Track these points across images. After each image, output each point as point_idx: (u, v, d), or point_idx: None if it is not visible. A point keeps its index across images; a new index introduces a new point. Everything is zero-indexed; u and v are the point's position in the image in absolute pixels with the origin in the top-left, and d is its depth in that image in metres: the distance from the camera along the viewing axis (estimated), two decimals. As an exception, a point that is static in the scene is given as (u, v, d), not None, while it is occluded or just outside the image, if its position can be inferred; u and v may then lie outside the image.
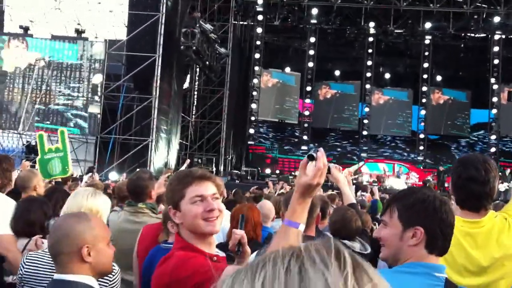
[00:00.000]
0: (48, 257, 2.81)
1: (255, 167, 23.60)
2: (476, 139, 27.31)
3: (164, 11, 17.36)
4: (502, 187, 18.04)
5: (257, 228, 3.91)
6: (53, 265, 2.72)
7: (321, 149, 1.83)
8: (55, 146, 5.86)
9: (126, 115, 17.83)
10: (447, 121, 27.00)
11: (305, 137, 26.07)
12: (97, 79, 18.63)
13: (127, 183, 4.50)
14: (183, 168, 10.77)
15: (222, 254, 2.20)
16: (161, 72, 17.32)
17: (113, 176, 15.02)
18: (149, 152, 17.04)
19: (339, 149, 27.74)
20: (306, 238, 2.73)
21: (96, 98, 18.70)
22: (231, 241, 2.28)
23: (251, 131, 24.83)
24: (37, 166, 5.88)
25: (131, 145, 17.53)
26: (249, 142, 25.22)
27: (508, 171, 20.87)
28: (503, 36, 24.90)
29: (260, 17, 24.59)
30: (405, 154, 27.30)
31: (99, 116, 18.47)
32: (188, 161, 11.64)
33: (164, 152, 18.40)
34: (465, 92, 27.27)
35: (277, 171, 23.50)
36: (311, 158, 1.80)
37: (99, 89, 18.69)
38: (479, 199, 2.52)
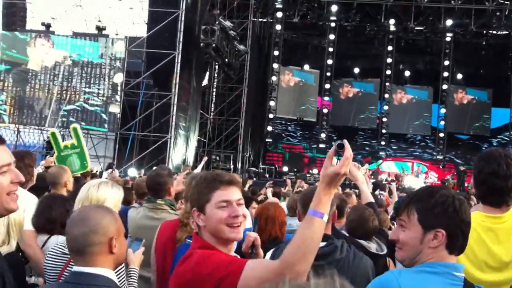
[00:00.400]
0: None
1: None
2: (500, 138, 26.96)
3: (184, 8, 17.43)
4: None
5: (283, 227, 3.94)
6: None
7: (345, 140, 1.87)
8: (71, 142, 5.94)
9: (146, 112, 17.96)
10: (468, 120, 26.70)
11: (323, 135, 25.97)
12: (118, 78, 18.80)
13: (146, 180, 4.54)
14: (200, 165, 10.80)
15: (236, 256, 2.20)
16: (181, 69, 17.41)
17: (132, 172, 15.14)
18: (168, 149, 17.15)
19: (366, 148, 27.64)
20: (323, 236, 2.74)
21: (117, 97, 18.85)
22: (244, 243, 2.31)
23: (269, 128, 24.82)
24: (55, 163, 5.95)
25: (150, 141, 17.66)
26: (267, 140, 25.21)
27: None
28: (526, 34, 24.53)
29: (279, 14, 24.55)
30: (425, 153, 27.07)
31: (118, 114, 18.63)
32: (205, 158, 11.66)
33: (182, 149, 18.50)
34: (486, 91, 26.92)
35: (295, 169, 23.45)
36: (341, 147, 1.85)
37: (119, 88, 18.85)
38: (501, 194, 2.50)
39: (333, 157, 1.85)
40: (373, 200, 4.30)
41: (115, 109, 18.78)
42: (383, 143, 26.05)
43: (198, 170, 9.97)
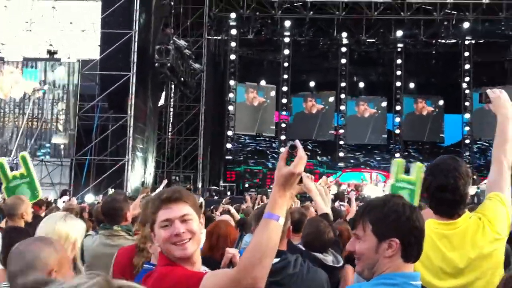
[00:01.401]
0: None
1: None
2: (453, 144, 27.66)
3: (137, 28, 17.30)
4: (472, 190, 18.27)
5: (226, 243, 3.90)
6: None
7: (297, 141, 1.86)
8: (19, 172, 5.71)
9: (101, 135, 17.64)
10: (422, 128, 27.30)
11: (282, 150, 26.06)
12: (61, 106, 18.48)
13: (101, 206, 4.43)
14: (160, 188, 10.64)
15: (208, 270, 2.16)
16: (136, 90, 17.22)
17: (90, 198, 14.79)
18: (126, 172, 16.86)
19: (325, 160, 27.90)
20: (277, 252, 2.70)
21: (60, 127, 18.45)
22: (223, 260, 2.29)
23: (229, 146, 24.74)
24: (4, 195, 5.71)
25: (107, 165, 17.32)
26: (227, 157, 25.11)
27: (475, 174, 21.18)
28: (473, 41, 25.35)
29: (233, 31, 24.65)
30: (382, 162, 27.48)
31: (61, 145, 18.24)
32: (165, 181, 11.51)
33: (141, 171, 18.24)
34: (438, 99, 27.61)
35: (257, 186, 23.44)
36: (293, 147, 1.83)
37: (62, 117, 18.40)
38: (451, 207, 2.55)
39: (285, 158, 1.83)
40: (327, 211, 4.31)
41: (57, 139, 18.38)
42: (341, 154, 26.31)
43: (160, 187, 9.83)
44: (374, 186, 22.62)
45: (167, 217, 2.10)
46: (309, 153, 27.84)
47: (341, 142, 26.49)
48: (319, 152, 28.06)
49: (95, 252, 4.04)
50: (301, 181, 4.64)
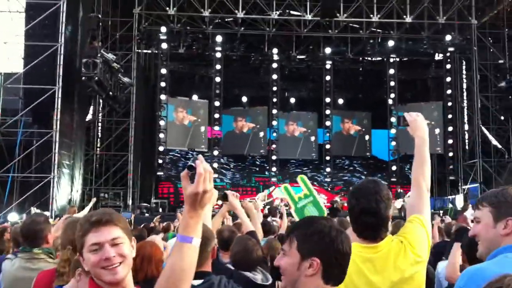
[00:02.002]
0: None
1: (165, 198, 23.17)
2: (376, 158, 28.55)
3: (63, 41, 16.77)
4: (398, 203, 18.96)
5: (159, 266, 3.80)
6: None
7: (199, 156, 1.81)
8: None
9: (25, 152, 16.87)
10: (351, 142, 28.02)
11: (215, 165, 25.99)
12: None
13: (21, 228, 4.20)
14: (88, 208, 10.29)
15: None
16: (62, 105, 16.63)
17: (13, 217, 14.09)
18: (51, 190, 16.19)
19: (259, 175, 28.07)
20: (201, 274, 2.65)
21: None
22: None
23: (160, 161, 24.32)
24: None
25: (31, 183, 16.56)
26: (158, 173, 24.67)
27: (398, 187, 21.99)
28: (397, 59, 26.38)
29: (164, 45, 24.41)
30: (314, 176, 27.93)
31: None
32: (94, 200, 11.16)
33: (67, 189, 17.60)
34: (365, 114, 28.46)
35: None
36: (191, 168, 1.78)
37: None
38: (373, 230, 2.59)
39: (188, 178, 1.79)
40: (253, 229, 4.33)
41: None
42: (274, 169, 26.53)
43: (85, 211, 9.51)
44: (306, 200, 22.90)
45: (96, 241, 2.03)
46: (228, 169, 27.95)
47: (274, 157, 26.71)
48: (253, 168, 28.22)
49: (14, 276, 3.87)
50: (226, 199, 4.63)
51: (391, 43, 25.17)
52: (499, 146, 24.31)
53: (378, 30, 25.52)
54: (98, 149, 23.73)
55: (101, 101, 23.07)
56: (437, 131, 25.54)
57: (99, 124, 24.10)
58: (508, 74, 22.97)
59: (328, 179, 26.74)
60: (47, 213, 14.34)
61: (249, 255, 3.64)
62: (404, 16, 24.40)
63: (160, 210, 21.53)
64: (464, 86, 26.01)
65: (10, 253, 4.98)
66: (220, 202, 4.93)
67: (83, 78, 17.78)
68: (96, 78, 17.90)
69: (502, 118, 24.57)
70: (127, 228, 2.15)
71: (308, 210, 5.65)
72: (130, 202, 22.21)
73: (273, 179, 26.38)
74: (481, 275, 2.00)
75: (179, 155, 27.02)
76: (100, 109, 23.72)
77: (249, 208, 4.91)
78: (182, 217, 1.82)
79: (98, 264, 2.02)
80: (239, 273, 3.45)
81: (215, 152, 25.88)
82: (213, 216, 4.88)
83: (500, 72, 24.41)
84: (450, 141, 25.09)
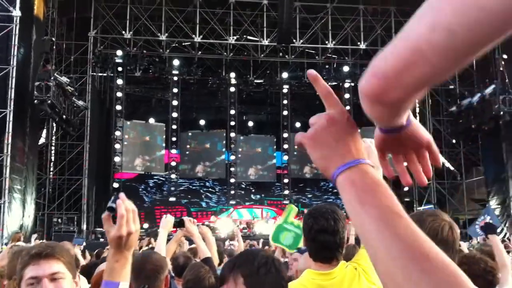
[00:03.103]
0: None
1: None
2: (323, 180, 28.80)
3: (15, 64, 16.42)
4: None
5: None
6: None
7: (121, 194, 1.73)
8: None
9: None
10: (309, 164, 28.21)
11: (173, 188, 25.70)
12: None
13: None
14: (32, 240, 9.92)
15: None
16: (13, 128, 16.20)
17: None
18: (2, 215, 15.65)
19: (211, 198, 27.89)
20: None
21: None
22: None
23: (115, 185, 23.86)
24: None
25: (-20, 208, 15.98)
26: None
27: None
28: (352, 84, 26.90)
29: (120, 69, 24.18)
30: (272, 198, 27.99)
31: None
32: (34, 235, 10.73)
33: (19, 214, 17.03)
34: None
35: (145, 225, 22.75)
36: (111, 210, 1.69)
37: None
38: (330, 250, 2.58)
39: (110, 220, 1.70)
40: (209, 255, 4.28)
41: None
42: (232, 192, 26.44)
43: (32, 241, 9.20)
44: (265, 223, 22.89)
45: (34, 275, 1.93)
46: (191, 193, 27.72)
47: (232, 180, 26.63)
48: (212, 190, 28.08)
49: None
50: (183, 225, 4.55)
51: (346, 68, 25.70)
52: (452, 168, 24.96)
53: (334, 56, 26.05)
54: (51, 173, 23.12)
55: (54, 124, 22.55)
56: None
57: (53, 148, 23.53)
58: (458, 99, 23.71)
59: (286, 201, 26.80)
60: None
61: (200, 283, 3.58)
62: (358, 43, 25.01)
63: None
64: (417, 110, 26.69)
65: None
66: (174, 229, 4.84)
67: (36, 101, 17.39)
68: (49, 101, 17.53)
69: (454, 141, 25.28)
70: (71, 263, 2.06)
71: (285, 237, 5.59)
72: (84, 227, 21.65)
73: (232, 202, 26.32)
74: None
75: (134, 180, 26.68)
76: (53, 132, 23.18)
77: (204, 233, 4.85)
78: (107, 261, 1.72)
79: None
80: None
81: (173, 176, 25.63)
82: (168, 241, 4.80)
83: (451, 97, 25.20)
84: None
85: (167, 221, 4.47)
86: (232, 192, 26.45)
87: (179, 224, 4.61)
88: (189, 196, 27.66)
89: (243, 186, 27.95)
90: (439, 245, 1.96)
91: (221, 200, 27.36)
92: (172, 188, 25.96)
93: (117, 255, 1.68)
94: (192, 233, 4.29)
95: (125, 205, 1.69)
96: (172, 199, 25.60)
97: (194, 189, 27.99)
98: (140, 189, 26.86)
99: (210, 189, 28.20)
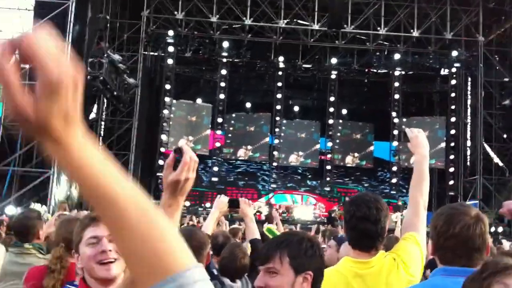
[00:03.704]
0: None
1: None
2: (378, 170, 28.51)
3: (69, 40, 16.89)
4: (395, 216, 18.94)
5: None
6: None
7: (185, 146, 1.77)
8: None
9: (27, 146, 16.96)
10: (354, 153, 27.98)
11: (216, 169, 25.97)
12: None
13: (12, 222, 4.27)
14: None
15: None
16: (66, 102, 16.70)
17: (11, 210, 14.15)
18: (50, 185, 16.27)
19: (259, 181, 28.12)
20: None
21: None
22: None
23: (161, 162, 24.32)
24: None
25: (31, 177, 16.64)
26: (158, 174, 24.69)
27: (400, 200, 22.03)
28: (403, 72, 26.40)
29: (171, 49, 24.50)
30: (313, 185, 27.96)
31: None
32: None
33: (66, 185, 17.65)
34: (369, 125, 28.42)
35: (187, 203, 23.15)
36: (178, 151, 1.73)
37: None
38: (371, 238, 2.57)
39: (172, 166, 1.72)
40: (257, 237, 4.33)
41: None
42: (274, 176, 26.56)
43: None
44: (304, 208, 22.95)
45: (95, 234, 2.07)
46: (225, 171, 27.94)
47: (274, 164, 26.72)
48: (268, 174, 28.29)
49: (4, 269, 3.91)
50: (238, 205, 4.65)
51: (397, 56, 25.20)
52: (501, 163, 24.27)
53: (385, 43, 25.57)
54: (100, 147, 23.71)
55: (105, 100, 23.15)
56: (440, 145, 25.52)
57: (102, 123, 24.17)
58: (513, 93, 22.99)
59: (327, 188, 26.74)
60: (45, 208, 14.42)
61: (232, 262, 3.67)
62: (411, 30, 24.46)
63: (159, 211, 21.50)
64: (469, 102, 26.00)
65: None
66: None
67: (88, 77, 17.88)
68: (102, 77, 18.00)
69: (505, 136, 24.53)
70: None
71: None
72: (129, 202, 22.20)
73: (273, 185, 26.43)
74: None
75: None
76: (104, 108, 23.79)
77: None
78: (160, 205, 1.73)
79: (94, 257, 2.04)
80: (218, 277, 3.48)
81: (216, 157, 25.93)
82: (204, 218, 4.90)
83: (505, 90, 24.40)
84: (451, 157, 25.08)
85: (220, 201, 4.53)
86: (274, 176, 26.52)
87: (233, 204, 4.66)
88: (246, 178, 27.99)
89: (285, 170, 27.94)
90: (468, 241, 1.99)
91: (278, 184, 27.53)
92: (215, 168, 26.12)
93: (171, 200, 1.71)
94: (246, 214, 4.35)
95: (189, 154, 1.73)
96: (214, 179, 25.84)
97: (251, 171, 28.25)
98: (200, 169, 27.20)
99: (253, 172, 28.37)
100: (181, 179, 1.70)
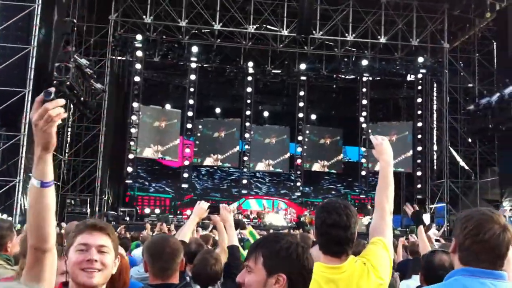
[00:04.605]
0: None
1: (133, 207, 22.89)
2: (348, 174, 28.75)
3: (35, 44, 16.57)
4: (366, 220, 19.18)
5: (127, 276, 3.76)
6: None
7: (52, 88, 1.82)
8: None
9: (-8, 155, 16.53)
10: (323, 158, 28.12)
11: (186, 175, 25.75)
12: None
13: (-19, 233, 4.09)
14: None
15: None
16: (31, 108, 16.31)
17: (-26, 220, 13.72)
18: (16, 194, 15.88)
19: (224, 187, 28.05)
20: (168, 286, 2.66)
21: None
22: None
23: (129, 169, 24.03)
24: None
25: (-3, 186, 16.23)
26: (127, 181, 24.37)
27: (369, 204, 22.29)
28: (370, 78, 26.73)
29: (139, 53, 24.24)
30: (284, 190, 28.02)
31: None
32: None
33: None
34: (338, 130, 28.63)
35: (157, 211, 22.95)
36: (48, 94, 1.79)
37: None
38: (341, 244, 2.61)
39: (39, 106, 1.80)
40: (236, 243, 4.35)
41: None
42: (244, 181, 26.49)
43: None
44: (275, 214, 22.94)
45: (86, 242, 2.10)
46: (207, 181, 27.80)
47: (245, 170, 26.66)
48: (262, 181, 28.21)
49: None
50: (218, 211, 4.60)
51: (364, 62, 25.53)
52: (466, 167, 24.79)
53: (353, 49, 25.91)
54: (66, 154, 23.35)
55: (71, 106, 22.74)
56: (407, 151, 25.89)
57: (69, 129, 23.75)
58: (477, 98, 23.48)
59: (298, 193, 26.82)
60: (10, 218, 14.05)
61: (204, 268, 3.68)
62: (379, 37, 24.85)
63: (127, 219, 21.25)
64: (434, 107, 26.51)
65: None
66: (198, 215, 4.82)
67: (55, 82, 17.53)
68: (68, 82, 17.67)
69: (470, 140, 25.07)
70: (117, 244, 2.21)
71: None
72: (97, 209, 21.87)
73: (243, 191, 26.36)
74: None
75: (149, 164, 26.84)
76: (71, 114, 23.37)
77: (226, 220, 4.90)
78: (34, 162, 1.93)
79: (79, 263, 2.06)
80: (190, 285, 3.48)
81: (186, 162, 25.70)
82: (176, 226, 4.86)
83: (469, 96, 24.97)
84: (418, 161, 25.49)
85: (200, 208, 4.50)
86: (245, 181, 26.43)
87: (214, 210, 4.62)
88: (217, 184, 27.93)
89: (255, 176, 27.93)
90: (495, 249, 2.03)
91: (270, 191, 27.45)
92: (185, 175, 25.89)
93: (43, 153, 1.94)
94: (226, 219, 4.36)
95: (55, 103, 1.85)
96: (184, 185, 25.61)
97: (222, 177, 28.17)
98: (193, 176, 26.97)
99: (259, 179, 28.26)
100: (32, 119, 1.82)
